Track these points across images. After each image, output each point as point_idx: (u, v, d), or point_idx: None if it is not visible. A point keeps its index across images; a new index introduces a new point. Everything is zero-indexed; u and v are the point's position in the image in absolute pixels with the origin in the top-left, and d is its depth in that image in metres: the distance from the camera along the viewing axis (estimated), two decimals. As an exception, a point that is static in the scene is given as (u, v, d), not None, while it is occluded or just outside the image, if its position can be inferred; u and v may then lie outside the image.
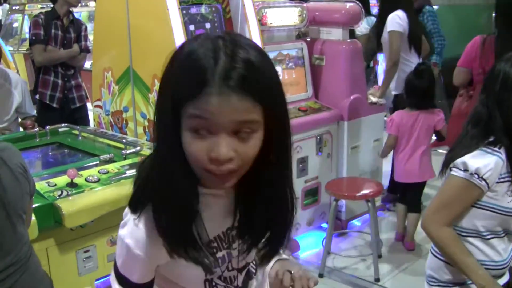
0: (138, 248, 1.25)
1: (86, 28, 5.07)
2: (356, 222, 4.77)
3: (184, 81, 1.11)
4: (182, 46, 1.17)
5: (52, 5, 4.76)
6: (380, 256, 4.11)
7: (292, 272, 1.38)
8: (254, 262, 1.45)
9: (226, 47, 1.11)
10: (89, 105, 5.51)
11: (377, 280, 3.85)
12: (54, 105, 4.71)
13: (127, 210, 1.28)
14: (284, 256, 1.49)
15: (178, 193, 1.18)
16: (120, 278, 1.31)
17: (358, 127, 4.52)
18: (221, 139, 1.10)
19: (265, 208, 1.26)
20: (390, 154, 4.46)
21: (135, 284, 1.30)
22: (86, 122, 4.98)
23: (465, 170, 2.05)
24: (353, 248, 4.38)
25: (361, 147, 4.57)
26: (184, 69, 1.11)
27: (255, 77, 1.11)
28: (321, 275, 3.90)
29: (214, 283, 1.36)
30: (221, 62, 1.09)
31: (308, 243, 4.38)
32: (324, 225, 4.47)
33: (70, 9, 4.82)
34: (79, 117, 4.80)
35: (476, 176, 2.03)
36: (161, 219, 1.20)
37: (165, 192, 1.19)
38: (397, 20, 4.74)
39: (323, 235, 4.27)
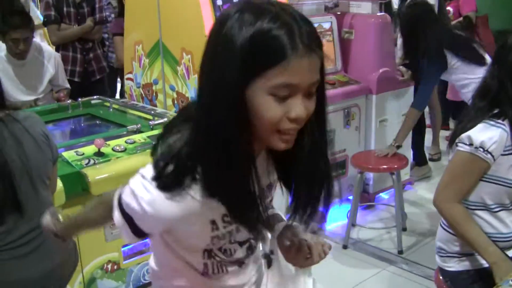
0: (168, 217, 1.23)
1: None
2: (384, 195, 4.80)
3: (261, 51, 1.10)
4: (230, 25, 1.12)
5: None
6: (404, 229, 4.15)
7: (306, 239, 1.42)
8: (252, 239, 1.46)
9: (283, 11, 1.12)
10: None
11: (400, 252, 3.88)
12: (76, 79, 4.81)
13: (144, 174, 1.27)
14: (289, 222, 1.45)
15: (241, 156, 1.16)
16: (124, 211, 1.29)
17: (386, 100, 4.52)
18: (300, 100, 1.13)
19: (305, 161, 1.26)
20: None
21: (136, 226, 1.28)
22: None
23: (470, 144, 2.07)
24: (378, 220, 4.42)
25: (389, 120, 4.57)
26: (257, 42, 1.09)
27: (317, 33, 1.16)
28: (345, 247, 3.97)
29: (213, 254, 1.38)
30: (294, 27, 1.10)
31: (335, 215, 4.41)
32: (351, 197, 4.51)
33: None
34: (99, 90, 4.79)
35: (481, 149, 2.05)
36: (217, 183, 1.18)
37: (227, 156, 1.15)
38: None
39: (349, 207, 4.31)
